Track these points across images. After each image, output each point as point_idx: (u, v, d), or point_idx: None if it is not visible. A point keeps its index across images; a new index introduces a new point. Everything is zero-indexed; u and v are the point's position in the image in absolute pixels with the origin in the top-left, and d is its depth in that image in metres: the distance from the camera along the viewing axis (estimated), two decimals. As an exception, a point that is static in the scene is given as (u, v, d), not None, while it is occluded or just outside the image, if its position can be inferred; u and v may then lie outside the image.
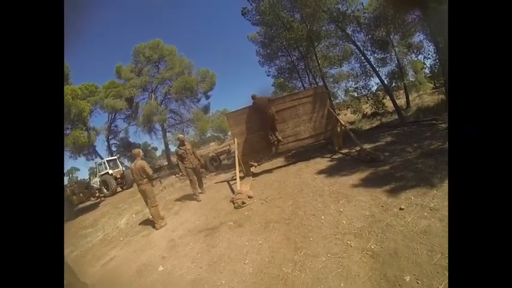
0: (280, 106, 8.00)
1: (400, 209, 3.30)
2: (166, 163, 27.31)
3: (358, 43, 13.58)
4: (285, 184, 6.04)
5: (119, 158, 20.39)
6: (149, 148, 31.08)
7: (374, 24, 12.66)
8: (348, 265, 2.56)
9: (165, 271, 3.58)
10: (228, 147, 14.76)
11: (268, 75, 18.34)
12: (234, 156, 7.65)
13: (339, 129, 8.18)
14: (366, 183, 4.64)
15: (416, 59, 15.84)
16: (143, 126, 24.04)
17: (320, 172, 6.27)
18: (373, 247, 2.72)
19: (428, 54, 13.31)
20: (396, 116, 12.19)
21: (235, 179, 6.69)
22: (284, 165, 8.25)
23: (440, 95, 16.37)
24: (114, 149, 26.51)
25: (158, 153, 39.99)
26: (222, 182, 8.60)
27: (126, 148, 26.46)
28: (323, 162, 7.18)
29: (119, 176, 16.76)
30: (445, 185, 3.59)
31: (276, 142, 7.86)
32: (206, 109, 25.57)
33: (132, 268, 3.97)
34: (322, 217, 3.77)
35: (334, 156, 7.59)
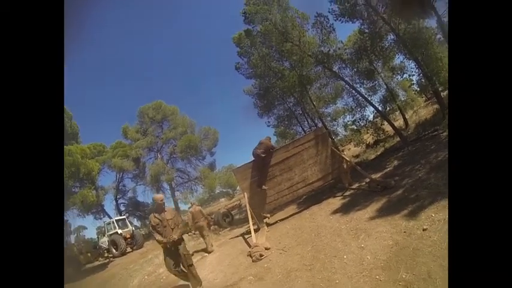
0: (285, 155, 8.07)
1: (424, 229, 3.15)
2: (177, 222, 26.63)
3: (346, 78, 14.31)
4: (301, 230, 5.83)
5: (127, 217, 19.87)
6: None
7: (356, 57, 13.42)
8: (382, 301, 2.35)
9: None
10: (239, 201, 14.55)
11: (269, 126, 18.81)
12: (246, 210, 7.49)
13: (345, 166, 8.10)
14: (383, 212, 4.48)
15: (402, 78, 16.47)
16: (151, 186, 24.08)
17: (334, 212, 6.09)
18: (404, 276, 2.52)
19: (412, 71, 13.96)
20: (398, 139, 12.21)
21: (250, 233, 6.44)
22: (297, 212, 8.01)
23: (434, 105, 16.63)
24: (122, 208, 26.07)
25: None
26: (236, 236, 8.30)
27: (135, 207, 26.06)
28: (335, 202, 7.01)
29: (128, 236, 15.99)
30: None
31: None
32: (212, 166, 25.81)
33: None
34: (345, 256, 3.57)
35: (345, 193, 7.42)
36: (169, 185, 24.84)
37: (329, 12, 12.52)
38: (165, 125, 25.48)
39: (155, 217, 4.42)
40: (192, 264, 4.50)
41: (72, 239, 20.57)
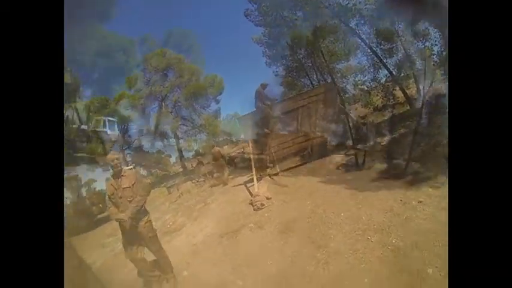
0: (292, 105, 8.00)
1: (419, 201, 3.29)
2: (182, 169, 27.66)
3: (363, 36, 13.40)
4: (302, 183, 6.00)
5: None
6: (163, 156, 31.33)
7: (377, 15, 12.47)
8: (371, 260, 2.59)
9: (190, 276, 3.63)
10: (242, 149, 14.76)
11: (277, 75, 18.25)
12: (249, 159, 7.65)
13: (350, 125, 8.10)
14: (384, 177, 4.60)
15: (423, 46, 15.49)
16: (156, 135, 24.42)
17: (336, 169, 6.23)
18: (394, 241, 2.73)
19: (435, 41, 13.07)
20: (408, 107, 11.94)
21: (252, 182, 6.67)
22: (300, 165, 8.12)
23: (450, 81, 15.91)
24: (128, 159, 26.94)
25: (172, 160, 40.30)
26: (239, 185, 8.63)
27: (141, 158, 26.88)
28: (338, 159, 7.10)
29: None
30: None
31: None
32: (217, 114, 25.75)
33: (158, 275, 4.02)
34: (342, 214, 3.76)
35: (349, 152, 7.48)
36: (173, 134, 25.10)
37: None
38: (170, 73, 24.92)
39: (111, 185, 3.36)
40: (160, 248, 3.48)
41: (83, 192, 21.41)
